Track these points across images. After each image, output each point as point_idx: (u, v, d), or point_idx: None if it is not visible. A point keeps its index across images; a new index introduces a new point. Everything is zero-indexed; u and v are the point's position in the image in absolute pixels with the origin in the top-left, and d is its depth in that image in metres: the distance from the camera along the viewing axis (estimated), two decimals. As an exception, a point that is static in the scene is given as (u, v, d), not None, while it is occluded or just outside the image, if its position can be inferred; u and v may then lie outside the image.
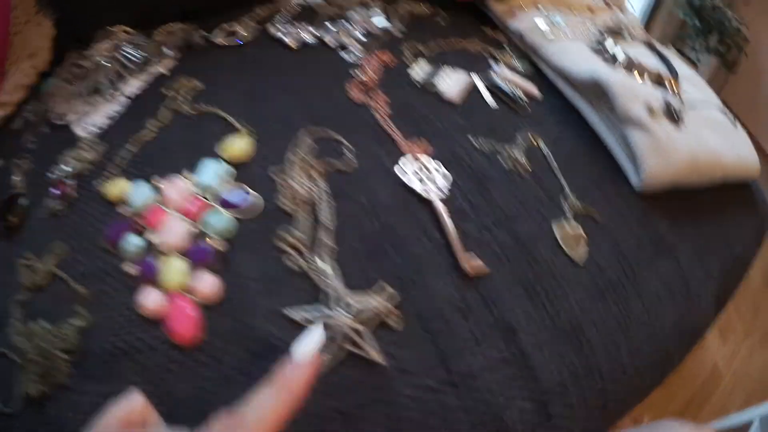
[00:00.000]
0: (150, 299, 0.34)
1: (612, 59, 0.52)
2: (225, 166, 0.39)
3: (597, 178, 0.46)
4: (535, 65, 0.53)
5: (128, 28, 0.53)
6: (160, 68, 0.49)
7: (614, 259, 0.42)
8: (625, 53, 0.52)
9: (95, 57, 0.51)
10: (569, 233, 0.42)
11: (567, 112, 0.49)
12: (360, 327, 0.32)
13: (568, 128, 0.48)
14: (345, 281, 0.34)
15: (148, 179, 0.39)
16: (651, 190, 0.45)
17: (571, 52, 0.51)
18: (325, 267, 0.35)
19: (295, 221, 0.37)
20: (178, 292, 0.34)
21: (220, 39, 0.50)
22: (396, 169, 0.39)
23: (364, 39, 0.48)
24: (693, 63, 1.24)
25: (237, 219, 0.37)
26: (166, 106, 0.45)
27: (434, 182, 0.40)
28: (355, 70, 0.45)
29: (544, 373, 0.36)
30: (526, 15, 0.55)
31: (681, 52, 1.27)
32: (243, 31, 0.50)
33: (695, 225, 0.47)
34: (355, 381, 0.32)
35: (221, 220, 0.36)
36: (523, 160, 0.44)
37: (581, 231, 0.42)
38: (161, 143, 0.43)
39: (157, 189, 0.39)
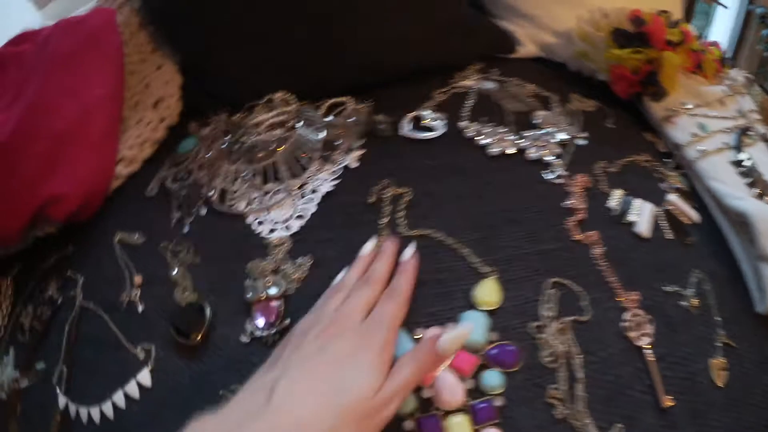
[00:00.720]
0: None
1: (749, 174, 0.56)
2: (487, 320, 0.38)
3: (735, 307, 0.51)
4: (689, 178, 0.55)
5: (289, 96, 0.46)
6: (348, 160, 0.44)
7: (739, 379, 0.48)
8: (755, 166, 0.57)
9: (260, 132, 0.44)
10: (718, 365, 0.47)
11: (718, 239, 0.53)
12: None
13: (721, 256, 0.52)
14: (596, 424, 0.39)
15: (404, 325, 0.37)
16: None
17: (719, 172, 0.54)
18: (583, 415, 0.38)
19: (556, 376, 0.38)
20: None
21: (408, 132, 0.45)
22: (621, 324, 0.42)
23: (559, 151, 0.47)
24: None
25: (504, 373, 0.37)
26: (398, 222, 0.41)
27: (644, 332, 0.43)
28: (566, 201, 0.45)
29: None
30: (681, 121, 0.56)
31: (764, 89, 1.32)
32: (431, 120, 0.46)
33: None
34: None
35: (497, 378, 0.37)
36: (696, 301, 0.47)
37: (723, 360, 0.48)
38: None
39: (417, 341, 0.37)
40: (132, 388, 0.44)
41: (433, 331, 0.37)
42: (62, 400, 0.47)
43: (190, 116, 0.53)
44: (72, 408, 0.46)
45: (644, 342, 0.43)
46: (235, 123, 0.48)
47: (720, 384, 0.47)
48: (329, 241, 0.41)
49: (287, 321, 0.39)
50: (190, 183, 0.48)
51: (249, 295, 0.40)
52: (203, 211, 0.46)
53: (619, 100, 0.56)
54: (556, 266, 0.41)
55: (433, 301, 0.38)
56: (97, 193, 0.52)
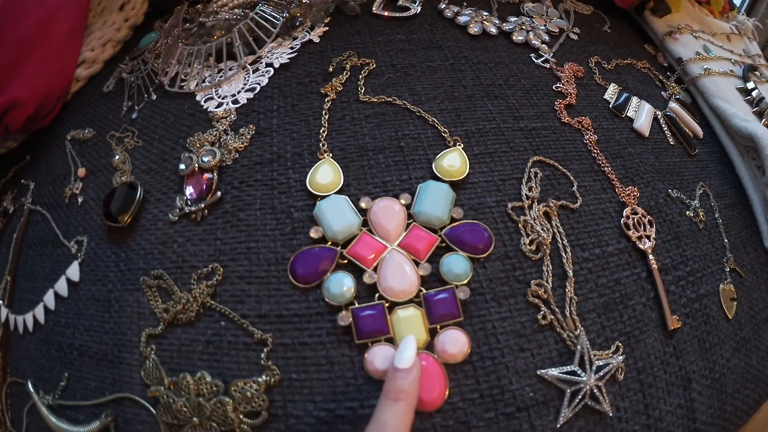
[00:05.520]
0: (383, 358, 0.23)
1: (757, 104, 0.45)
2: (450, 192, 0.27)
3: (744, 235, 0.41)
4: (691, 94, 0.45)
5: (254, -20, 0.38)
6: (310, 34, 0.35)
7: (748, 315, 0.39)
8: (764, 97, 0.46)
9: (220, 13, 0.35)
10: (728, 293, 0.37)
11: (725, 159, 0.43)
12: (601, 384, 0.28)
13: (727, 178, 0.42)
14: (588, 337, 0.28)
15: (349, 195, 0.27)
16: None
17: (725, 92, 0.43)
18: (573, 323, 0.27)
19: (539, 268, 0.27)
20: (419, 350, 0.24)
21: (380, 10, 0.35)
22: (621, 221, 0.31)
23: (548, 39, 0.37)
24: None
25: (471, 259, 0.26)
26: (334, 87, 0.31)
27: (645, 233, 0.32)
28: (558, 84, 0.34)
29: (701, 416, 0.35)
30: (684, 38, 0.46)
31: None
32: (406, 1, 0.36)
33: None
34: (584, 429, 0.28)
35: (461, 264, 0.25)
36: (701, 213, 0.37)
37: (733, 288, 0.38)
38: (345, 140, 0.29)
39: (362, 211, 0.27)
40: (61, 285, 0.35)
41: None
42: (3, 312, 0.38)
43: (158, 16, 0.45)
44: (11, 319, 0.37)
45: (646, 245, 0.32)
46: (196, 10, 0.39)
47: (730, 316, 0.37)
48: (275, 111, 0.31)
49: (218, 194, 0.29)
50: (146, 72, 0.39)
51: (182, 167, 0.30)
52: (154, 96, 0.37)
53: (617, 13, 0.45)
54: (540, 145, 0.30)
55: (389, 170, 0.28)
56: (54, 95, 0.44)
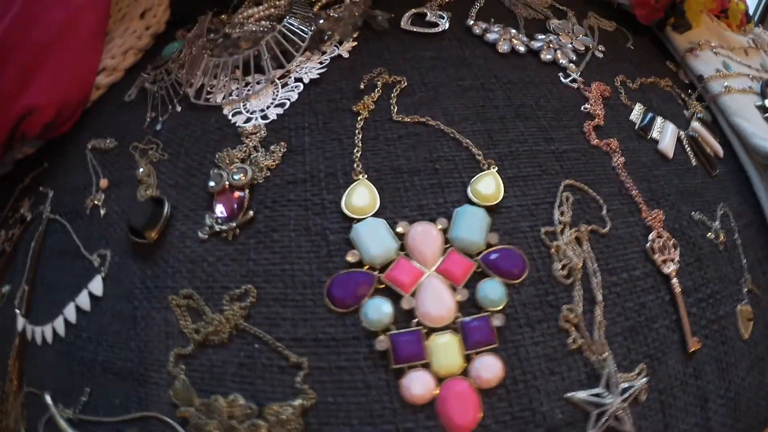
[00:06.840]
0: (419, 384, 0.24)
1: (774, 120, 0.46)
2: (487, 218, 0.27)
3: (761, 254, 0.41)
4: (711, 112, 0.45)
5: (279, -9, 0.37)
6: (339, 49, 0.35)
7: (763, 334, 0.39)
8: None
9: (246, 25, 0.35)
10: (746, 313, 0.38)
11: (742, 178, 0.43)
12: (625, 405, 0.28)
13: (746, 197, 0.42)
14: (616, 360, 0.29)
15: (385, 218, 0.27)
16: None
17: (745, 111, 0.44)
18: (602, 347, 0.28)
19: (571, 293, 0.27)
20: (455, 376, 0.24)
21: (408, 26, 0.35)
22: (647, 246, 0.32)
23: (575, 57, 0.37)
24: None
25: (507, 285, 0.26)
26: (367, 105, 0.31)
27: (669, 257, 0.32)
28: (585, 105, 0.34)
29: (716, 436, 0.36)
30: (704, 55, 0.46)
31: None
32: (435, 17, 0.36)
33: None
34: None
35: (497, 290, 0.26)
36: (722, 234, 0.37)
37: (750, 309, 0.38)
38: (380, 161, 0.29)
39: (398, 236, 0.27)
40: (83, 299, 0.34)
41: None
42: (20, 322, 0.38)
43: (180, 25, 0.45)
44: (29, 329, 0.37)
45: (670, 269, 0.32)
46: (221, 20, 0.39)
47: (746, 336, 0.38)
48: (307, 128, 0.31)
49: (250, 213, 0.29)
50: (170, 83, 0.39)
51: (212, 184, 0.30)
52: (179, 108, 0.36)
53: (639, 29, 0.46)
54: (571, 168, 0.31)
55: (425, 193, 0.28)
56: (73, 102, 0.43)
